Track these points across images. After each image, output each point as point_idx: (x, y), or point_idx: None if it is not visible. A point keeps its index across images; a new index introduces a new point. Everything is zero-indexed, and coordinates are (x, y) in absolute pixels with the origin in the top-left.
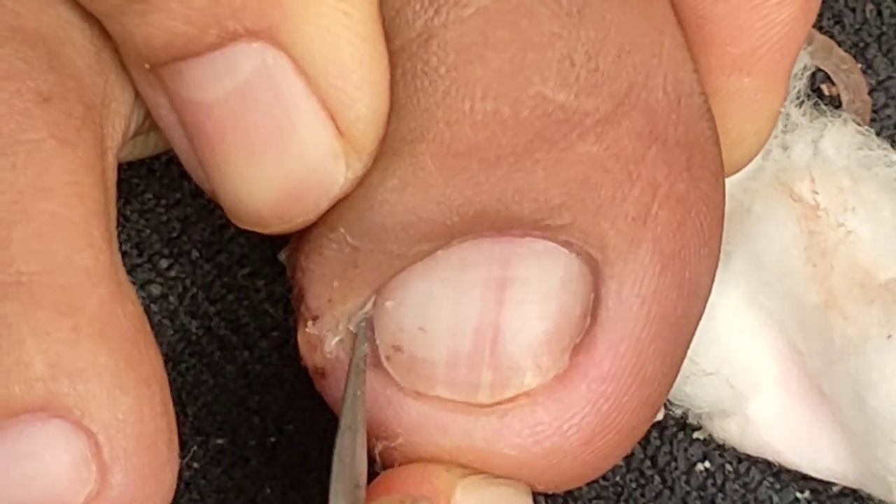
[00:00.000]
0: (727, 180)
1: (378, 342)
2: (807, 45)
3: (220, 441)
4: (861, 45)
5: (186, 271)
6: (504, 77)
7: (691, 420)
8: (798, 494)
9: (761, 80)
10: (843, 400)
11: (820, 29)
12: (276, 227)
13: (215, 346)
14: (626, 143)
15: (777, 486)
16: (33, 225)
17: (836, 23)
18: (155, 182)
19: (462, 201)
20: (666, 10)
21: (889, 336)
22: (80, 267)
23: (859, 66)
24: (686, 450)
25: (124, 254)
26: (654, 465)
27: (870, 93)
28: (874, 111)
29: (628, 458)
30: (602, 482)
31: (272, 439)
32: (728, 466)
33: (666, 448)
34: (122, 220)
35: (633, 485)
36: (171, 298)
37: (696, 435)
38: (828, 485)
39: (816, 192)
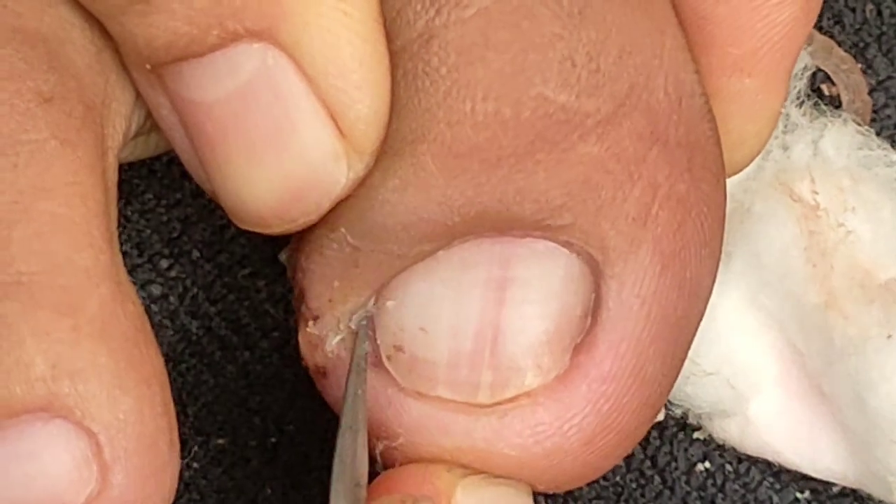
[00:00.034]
0: (727, 180)
1: (379, 342)
2: (807, 45)
3: (220, 441)
4: (861, 45)
5: (187, 271)
6: (505, 78)
7: (691, 420)
8: (798, 494)
9: (762, 81)
10: (843, 400)
11: (820, 29)
12: (277, 228)
13: (216, 346)
14: (627, 144)
15: (777, 486)
16: (34, 225)
17: (836, 23)
18: (155, 182)
19: (463, 202)
20: (667, 11)
21: (889, 336)
22: (81, 267)
23: (859, 66)
24: (686, 450)
25: (125, 254)
26: (654, 465)
27: (870, 93)
28: (874, 111)
29: (628, 459)
30: (602, 482)
31: (273, 439)
32: (728, 466)
33: (666, 448)
34: (123, 221)
35: (634, 485)
36: (172, 298)
37: (696, 435)
38: (828, 485)
39: (816, 192)
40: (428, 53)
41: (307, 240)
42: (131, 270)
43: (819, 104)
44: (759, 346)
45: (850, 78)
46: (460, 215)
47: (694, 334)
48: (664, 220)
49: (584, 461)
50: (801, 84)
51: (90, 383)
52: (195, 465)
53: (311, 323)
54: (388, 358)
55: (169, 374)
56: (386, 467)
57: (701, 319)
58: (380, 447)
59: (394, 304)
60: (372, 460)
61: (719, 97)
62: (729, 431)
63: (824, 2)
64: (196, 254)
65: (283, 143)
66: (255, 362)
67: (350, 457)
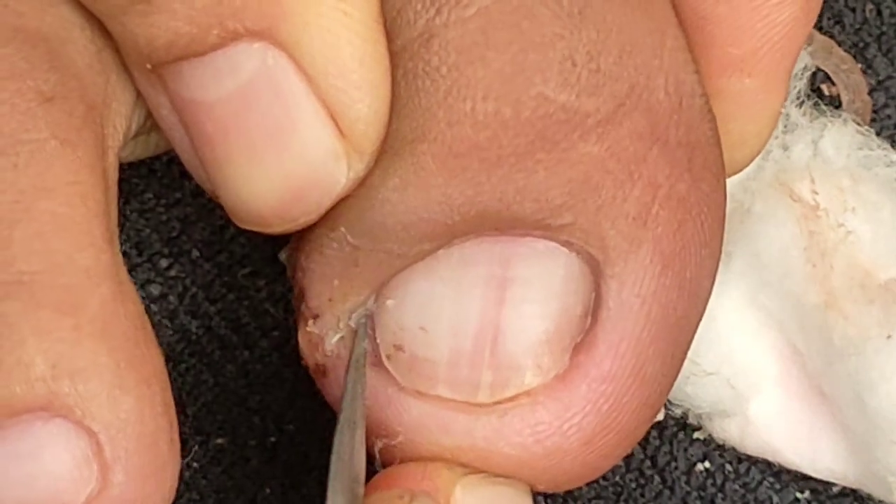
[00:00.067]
0: (727, 180)
1: (379, 341)
2: (807, 45)
3: (220, 441)
4: (861, 45)
5: (186, 271)
6: (505, 77)
7: (691, 420)
8: (798, 494)
9: (762, 81)
10: (843, 400)
11: (820, 29)
12: (277, 227)
13: (215, 345)
14: (628, 144)
15: (777, 486)
16: (34, 224)
17: (836, 23)
18: (155, 182)
19: (463, 201)
20: (667, 11)
21: (889, 336)
22: (82, 266)
23: (859, 66)
24: (686, 450)
25: (124, 254)
26: (654, 465)
27: (870, 93)
28: (874, 111)
29: (628, 458)
30: (602, 482)
31: (272, 439)
32: (728, 466)
33: (666, 448)
34: (123, 220)
35: (633, 485)
36: (171, 298)
37: (696, 435)
38: (828, 485)
39: (816, 192)
40: (428, 53)
41: (307, 239)
42: (131, 270)
43: (819, 104)
44: (759, 346)
45: (850, 78)
46: (460, 214)
47: (694, 334)
48: (664, 219)
49: (584, 461)
50: (801, 84)
51: (91, 383)
52: (195, 464)
53: (310, 322)
54: (388, 357)
55: (168, 374)
56: (385, 466)
57: (701, 319)
58: (379, 445)
59: (394, 303)
60: (371, 459)
61: (719, 97)
62: (729, 431)
63: (824, 2)
64: (196, 253)
65: (284, 142)
66: (254, 362)
67: (348, 453)
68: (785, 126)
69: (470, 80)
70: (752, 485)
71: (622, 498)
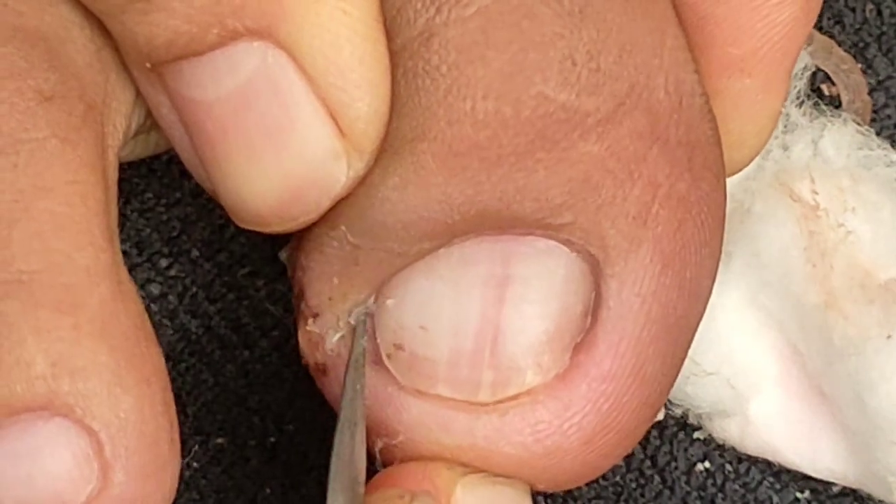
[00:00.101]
0: (727, 180)
1: (379, 340)
2: (807, 45)
3: (220, 440)
4: (861, 45)
5: (186, 270)
6: (505, 76)
7: (691, 420)
8: (798, 494)
9: (762, 81)
10: (843, 400)
11: (820, 29)
12: (277, 227)
13: (215, 345)
14: (628, 143)
15: (777, 486)
16: (34, 224)
17: (836, 23)
18: (155, 181)
19: (463, 200)
20: (667, 11)
21: (889, 336)
22: (81, 266)
23: (859, 66)
24: (686, 450)
25: (124, 253)
26: (654, 464)
27: (870, 93)
28: (874, 111)
29: (628, 458)
30: (602, 482)
31: (272, 439)
32: (728, 466)
33: (666, 448)
34: (122, 220)
35: (633, 485)
36: (171, 298)
37: (696, 435)
38: (828, 485)
39: (816, 192)
40: (428, 52)
41: (307, 238)
42: (131, 269)
43: (819, 104)
44: (759, 346)
45: (850, 78)
46: (460, 214)
47: (694, 334)
48: (664, 219)
49: (584, 460)
50: (801, 84)
51: (91, 382)
52: (195, 464)
53: (310, 321)
54: (388, 356)
55: (168, 374)
56: (385, 465)
57: (701, 319)
58: (379, 445)
59: (394, 302)
60: (371, 458)
61: (719, 97)
62: (729, 431)
63: (824, 2)
64: (195, 253)
65: (283, 141)
66: (254, 361)
67: (348, 453)
68: (785, 126)
69: (470, 79)
70: (752, 485)
71: (622, 498)
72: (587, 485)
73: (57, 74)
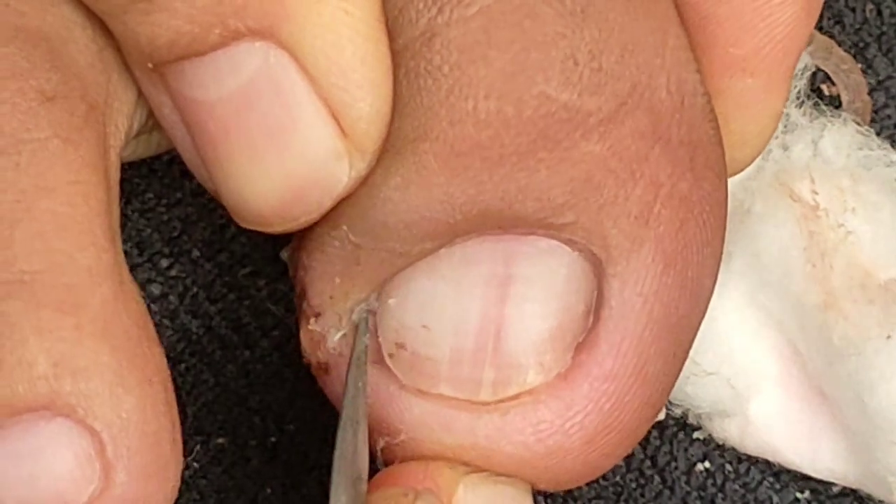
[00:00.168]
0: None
1: (381, 339)
2: (807, 44)
3: (220, 440)
4: (861, 44)
5: (187, 270)
6: (507, 76)
7: (691, 420)
8: (798, 494)
9: (764, 81)
10: (843, 400)
11: (820, 29)
12: (279, 227)
13: (216, 345)
14: (630, 143)
15: (777, 486)
16: (36, 224)
17: (836, 23)
18: (156, 181)
19: (465, 200)
20: (669, 11)
21: (889, 336)
22: (83, 266)
23: (859, 66)
24: (686, 450)
25: (125, 253)
26: (654, 464)
27: (870, 93)
28: (874, 111)
29: (628, 458)
30: (602, 482)
31: (273, 439)
32: (728, 466)
33: (666, 448)
34: (123, 220)
35: (633, 485)
36: (172, 298)
37: (696, 435)
38: (828, 485)
39: (816, 192)
40: (430, 52)
41: (309, 238)
42: (131, 269)
43: (819, 104)
44: (759, 346)
45: (850, 78)
46: (462, 213)
47: (695, 334)
48: (666, 218)
49: (586, 460)
50: (801, 84)
51: (92, 382)
52: (195, 464)
53: (312, 320)
54: (390, 355)
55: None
56: (387, 464)
57: (702, 319)
58: (381, 444)
59: (395, 302)
60: (372, 457)
61: (721, 97)
62: (729, 431)
63: (824, 2)
64: (196, 253)
65: (285, 141)
66: (255, 361)
67: (351, 451)
68: (785, 126)
69: (472, 79)
70: (752, 485)
71: (622, 498)
72: (587, 485)
73: (59, 74)
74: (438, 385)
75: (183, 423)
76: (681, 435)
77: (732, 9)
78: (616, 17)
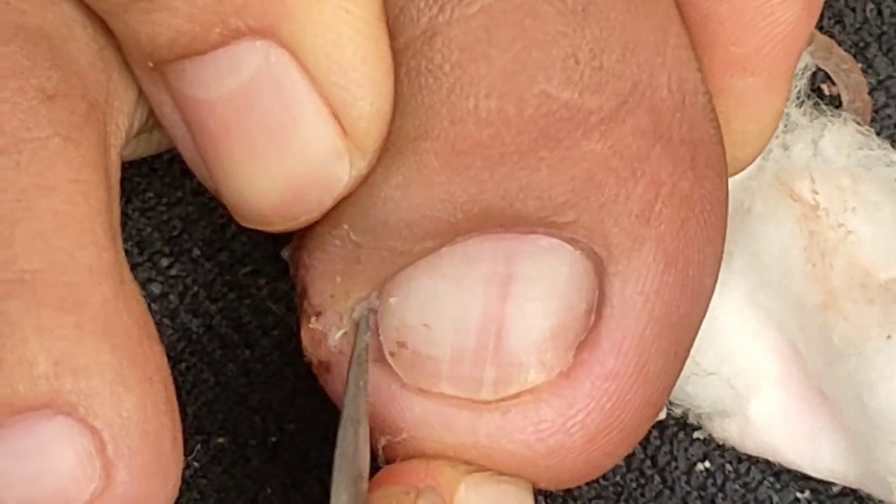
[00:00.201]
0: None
1: (382, 338)
2: (807, 44)
3: (220, 440)
4: (861, 44)
5: (187, 270)
6: (508, 75)
7: (691, 420)
8: (798, 494)
9: (765, 80)
10: (843, 400)
11: (820, 28)
12: (279, 225)
13: (216, 344)
14: (631, 142)
15: (777, 486)
16: (36, 223)
17: (837, 22)
18: (156, 180)
19: (466, 199)
20: (670, 9)
21: (889, 336)
22: (84, 264)
23: (859, 65)
24: (686, 450)
25: (125, 252)
26: (654, 464)
27: (870, 92)
28: (874, 111)
29: (628, 458)
30: (602, 482)
31: (273, 438)
32: (728, 466)
33: (666, 448)
34: (124, 219)
35: (634, 484)
36: (172, 297)
37: (696, 435)
38: (828, 485)
39: (816, 192)
40: (431, 50)
41: (310, 236)
42: (132, 269)
43: (819, 104)
44: (759, 346)
45: (850, 77)
46: (463, 212)
47: (696, 333)
48: (667, 217)
49: (587, 459)
50: (801, 84)
51: (93, 380)
52: (196, 463)
53: (313, 319)
54: (391, 354)
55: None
56: (388, 463)
57: (703, 318)
58: (382, 442)
59: (396, 301)
60: (374, 456)
61: (722, 96)
62: (729, 431)
63: (825, 1)
64: (196, 252)
65: (286, 140)
66: (255, 361)
67: (352, 449)
68: (785, 126)
69: (473, 78)
70: (752, 485)
71: (622, 497)
72: (587, 484)
73: (59, 73)
74: (440, 384)
75: (183, 422)
76: (681, 435)
77: (733, 7)
78: (617, 16)
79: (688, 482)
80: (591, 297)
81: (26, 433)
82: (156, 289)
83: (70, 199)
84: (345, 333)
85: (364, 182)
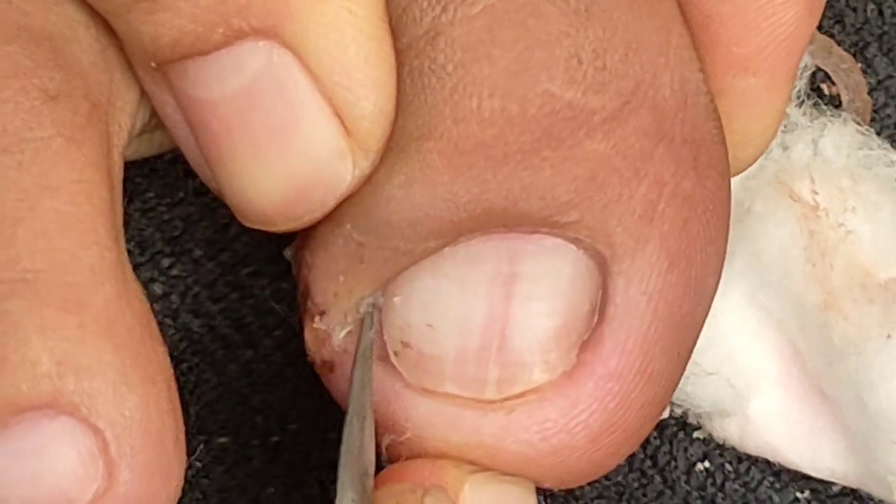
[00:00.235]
0: None
1: (386, 337)
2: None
3: (222, 440)
4: (861, 44)
5: (188, 270)
6: (511, 75)
7: (691, 420)
8: (798, 494)
9: (767, 80)
10: (843, 400)
11: (820, 28)
12: (282, 226)
13: (218, 344)
14: (634, 142)
15: (777, 486)
16: (39, 223)
17: (837, 22)
18: (157, 181)
19: (469, 198)
20: (672, 10)
21: (889, 336)
22: (86, 264)
23: (859, 65)
24: (686, 450)
25: (126, 252)
26: (654, 464)
27: (870, 92)
28: (874, 111)
29: (629, 458)
30: (604, 482)
31: (275, 438)
32: (728, 466)
33: (666, 448)
34: (125, 219)
35: (635, 484)
36: (174, 297)
37: (696, 435)
38: (828, 485)
39: (816, 192)
40: (434, 51)
41: (312, 236)
42: (133, 269)
43: (819, 104)
44: (759, 346)
45: (849, 77)
46: (466, 212)
47: (699, 332)
48: (670, 217)
49: (590, 458)
50: (801, 84)
51: (96, 380)
52: (197, 463)
53: (317, 318)
54: (395, 354)
55: None
56: (392, 463)
57: (706, 317)
58: (386, 442)
59: (400, 300)
60: (377, 455)
61: (724, 96)
62: (729, 431)
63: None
64: (198, 252)
65: (289, 140)
66: (257, 361)
67: (357, 445)
68: (785, 126)
69: (476, 78)
70: (752, 485)
71: (623, 497)
72: (589, 484)
73: (62, 73)
74: (443, 383)
75: (185, 422)
76: (681, 435)
77: (735, 8)
78: (620, 16)
79: (688, 482)
80: (595, 296)
81: (29, 433)
82: (157, 289)
83: (72, 199)
84: (349, 332)
85: (367, 182)
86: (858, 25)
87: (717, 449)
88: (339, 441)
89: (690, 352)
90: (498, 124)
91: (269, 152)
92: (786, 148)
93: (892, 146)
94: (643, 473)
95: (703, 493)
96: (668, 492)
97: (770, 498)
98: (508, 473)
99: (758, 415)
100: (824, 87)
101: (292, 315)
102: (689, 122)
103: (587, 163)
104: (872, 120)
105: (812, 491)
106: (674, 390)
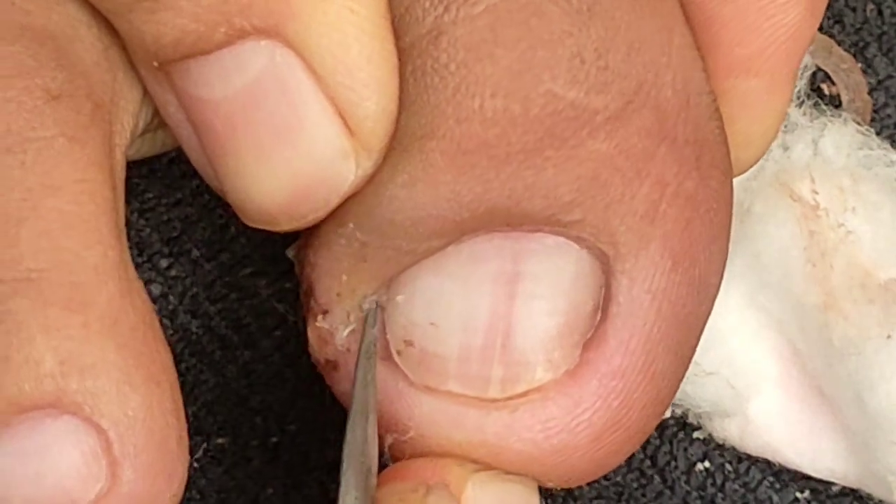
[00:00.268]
0: None
1: (389, 336)
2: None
3: (221, 441)
4: (861, 44)
5: (187, 271)
6: (514, 74)
7: (691, 420)
8: (798, 494)
9: (768, 81)
10: (843, 400)
11: (820, 29)
12: (285, 225)
13: (216, 345)
14: (636, 141)
15: (777, 486)
16: (42, 222)
17: (837, 22)
18: (156, 182)
19: (472, 198)
20: (675, 10)
21: (889, 336)
22: (90, 264)
23: (859, 65)
24: (686, 450)
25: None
26: (654, 464)
27: (870, 92)
28: (874, 111)
29: (628, 458)
30: (603, 482)
31: (274, 439)
32: (728, 466)
33: (666, 448)
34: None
35: (634, 484)
36: (172, 298)
37: (696, 435)
38: (828, 485)
39: (816, 192)
40: (437, 50)
41: (316, 235)
42: None
43: (819, 104)
44: (759, 346)
45: (850, 77)
46: (469, 211)
47: (702, 331)
48: (673, 217)
49: (593, 457)
50: (801, 84)
51: (99, 379)
52: (196, 464)
53: (320, 317)
54: (399, 352)
55: None
56: (395, 461)
57: (708, 317)
58: (389, 440)
59: (403, 299)
60: (380, 454)
61: (726, 97)
62: (729, 431)
63: None
64: (196, 253)
65: (291, 140)
66: (256, 362)
67: (361, 443)
68: (785, 126)
69: (479, 77)
70: (752, 485)
71: (623, 497)
72: (588, 484)
73: (65, 73)
74: (447, 382)
75: None
76: (681, 435)
77: (737, 9)
78: (622, 16)
79: (688, 482)
80: (598, 295)
81: (32, 432)
82: (155, 290)
83: (75, 198)
84: (352, 331)
85: (370, 181)
86: (858, 25)
87: (717, 449)
88: (341, 440)
89: (693, 351)
90: (500, 124)
91: (272, 152)
92: (786, 148)
93: (892, 146)
94: (642, 473)
95: (702, 494)
96: (668, 492)
97: (770, 498)
98: (511, 472)
99: (758, 415)
100: (824, 87)
101: (290, 316)
102: (692, 122)
103: (590, 162)
104: (872, 120)
105: (812, 491)
106: (676, 389)
